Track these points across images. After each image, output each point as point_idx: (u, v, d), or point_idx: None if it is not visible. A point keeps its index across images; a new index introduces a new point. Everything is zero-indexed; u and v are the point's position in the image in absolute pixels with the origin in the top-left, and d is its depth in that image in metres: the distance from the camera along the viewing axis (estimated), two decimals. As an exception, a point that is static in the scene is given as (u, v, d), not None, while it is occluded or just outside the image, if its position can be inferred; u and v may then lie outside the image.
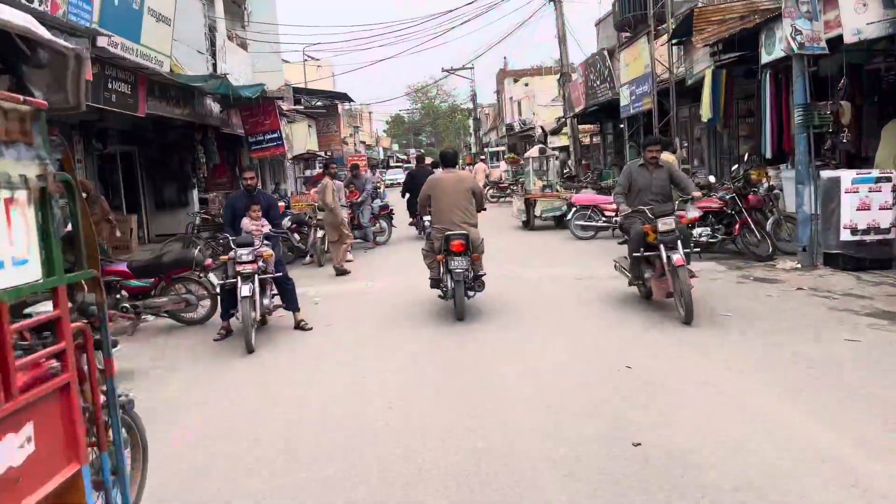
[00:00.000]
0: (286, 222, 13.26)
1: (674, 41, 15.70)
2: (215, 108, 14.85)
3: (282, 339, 7.18)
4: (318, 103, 35.09)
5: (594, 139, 30.07)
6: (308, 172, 23.12)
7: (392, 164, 74.65)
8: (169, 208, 16.33)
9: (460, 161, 72.09)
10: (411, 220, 15.73)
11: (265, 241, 7.26)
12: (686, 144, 17.32)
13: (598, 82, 21.18)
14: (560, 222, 16.54)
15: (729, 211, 10.65)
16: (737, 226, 10.48)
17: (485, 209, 8.08)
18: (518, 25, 62.66)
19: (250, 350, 6.57)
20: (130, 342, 7.23)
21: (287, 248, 13.80)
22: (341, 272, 11.17)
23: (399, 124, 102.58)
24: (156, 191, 16.48)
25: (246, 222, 7.48)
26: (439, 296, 7.81)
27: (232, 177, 19.45)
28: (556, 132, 27.68)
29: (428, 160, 18.83)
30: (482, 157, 38.24)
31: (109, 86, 10.08)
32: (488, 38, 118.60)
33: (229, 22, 19.23)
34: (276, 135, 16.68)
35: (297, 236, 13.40)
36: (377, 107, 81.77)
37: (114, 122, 13.36)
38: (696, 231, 10.58)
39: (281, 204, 20.15)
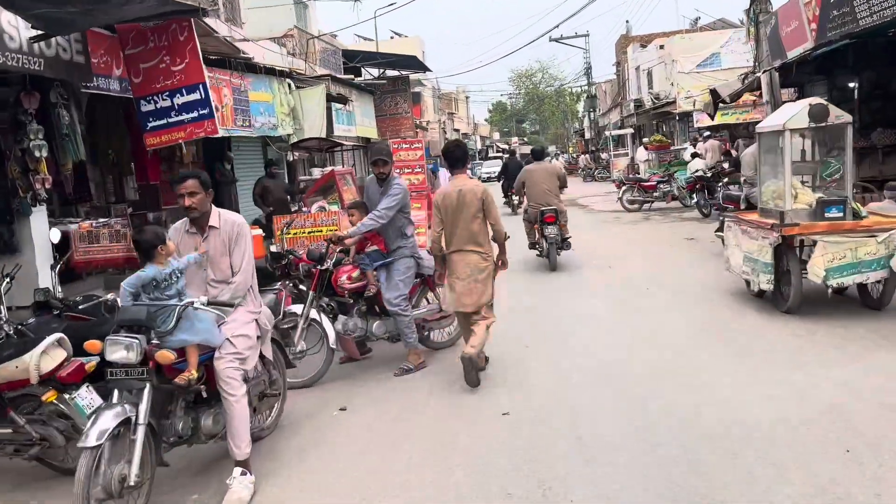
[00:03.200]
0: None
1: None
2: (8, 25, 5.86)
3: None
4: (385, 74, 26.17)
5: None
6: (318, 173, 13.85)
7: (491, 154, 65.01)
8: (-20, 255, 7.53)
9: (570, 149, 63.74)
10: (504, 198, 18.63)
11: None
12: None
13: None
14: (846, 292, 6.75)
15: None
16: None
17: (565, 187, 10.58)
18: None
19: None
20: None
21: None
22: (475, 379, 5.13)
23: (501, 112, 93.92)
24: (-47, 221, 7.72)
25: None
26: (537, 254, 10.33)
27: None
28: (737, 97, 17.06)
29: (524, 149, 20.01)
30: (706, 133, 20.68)
31: None
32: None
33: None
34: (196, 95, 7.53)
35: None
36: (474, 89, 72.40)
37: None
38: None
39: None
